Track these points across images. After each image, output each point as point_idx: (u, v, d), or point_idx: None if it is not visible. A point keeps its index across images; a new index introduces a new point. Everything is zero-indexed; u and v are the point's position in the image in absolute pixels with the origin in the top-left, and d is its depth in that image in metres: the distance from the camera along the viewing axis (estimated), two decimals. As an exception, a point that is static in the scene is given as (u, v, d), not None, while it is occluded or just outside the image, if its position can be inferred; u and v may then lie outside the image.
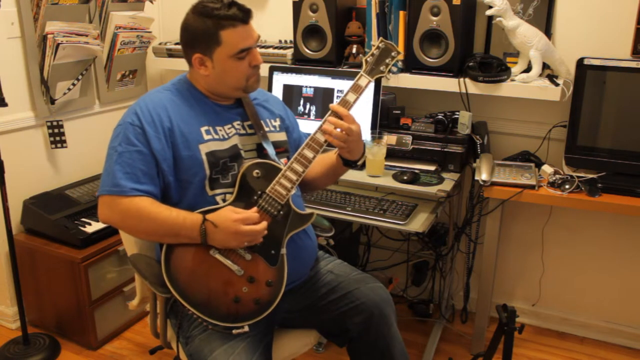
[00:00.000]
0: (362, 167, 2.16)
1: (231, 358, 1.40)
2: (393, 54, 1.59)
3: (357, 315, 1.59)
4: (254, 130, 1.61)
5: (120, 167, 1.44)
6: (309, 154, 1.51)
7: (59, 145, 2.53)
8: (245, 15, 1.48)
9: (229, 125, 1.58)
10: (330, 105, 1.53)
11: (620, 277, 2.44)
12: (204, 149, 1.50)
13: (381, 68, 1.58)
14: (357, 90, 1.56)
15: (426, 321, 2.62)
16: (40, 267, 2.41)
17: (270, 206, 1.49)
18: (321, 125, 1.53)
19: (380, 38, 1.62)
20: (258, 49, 1.55)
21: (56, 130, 2.51)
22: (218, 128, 1.55)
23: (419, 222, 2.00)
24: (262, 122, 1.63)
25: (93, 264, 2.34)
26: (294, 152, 1.68)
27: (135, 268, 1.59)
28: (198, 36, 1.48)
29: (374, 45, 1.61)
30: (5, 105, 2.11)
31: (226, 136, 1.56)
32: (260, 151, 1.60)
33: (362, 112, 2.22)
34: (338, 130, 1.51)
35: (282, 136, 1.69)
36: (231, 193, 1.52)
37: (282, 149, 1.66)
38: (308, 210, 1.58)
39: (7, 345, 2.36)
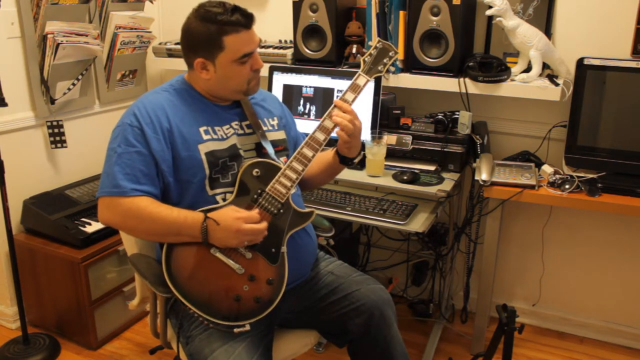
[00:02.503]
0: (361, 165, 2.16)
1: (231, 358, 1.41)
2: (391, 53, 1.61)
3: (358, 317, 1.60)
4: (253, 130, 1.61)
5: (120, 168, 1.44)
6: (308, 152, 1.52)
7: (59, 145, 2.53)
8: (247, 21, 1.48)
9: (227, 126, 1.58)
10: (335, 100, 1.55)
11: (620, 277, 2.44)
12: (203, 149, 1.51)
13: (379, 68, 1.60)
14: (355, 89, 1.57)
15: (426, 321, 2.62)
16: (40, 267, 2.41)
17: (270, 205, 1.49)
18: (321, 124, 1.54)
19: (378, 38, 1.64)
20: (258, 50, 1.56)
21: (56, 130, 2.51)
22: (217, 128, 1.56)
23: (419, 222, 2.00)
24: (260, 121, 1.64)
25: (93, 264, 2.34)
26: (291, 151, 1.69)
27: (135, 268, 1.59)
28: (201, 41, 1.47)
29: (371, 45, 1.63)
30: (5, 105, 2.11)
31: (225, 136, 1.56)
32: (259, 150, 1.61)
33: (362, 112, 2.22)
34: (346, 122, 1.52)
35: (280, 135, 1.69)
36: (231, 192, 1.52)
37: (281, 148, 1.66)
38: (308, 209, 1.58)
39: (7, 345, 2.36)
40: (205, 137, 1.52)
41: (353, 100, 1.56)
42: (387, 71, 1.66)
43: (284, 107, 1.80)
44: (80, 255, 2.29)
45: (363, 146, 1.67)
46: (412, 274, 2.70)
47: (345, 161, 1.66)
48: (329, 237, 1.90)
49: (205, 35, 1.46)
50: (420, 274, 2.66)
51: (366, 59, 1.60)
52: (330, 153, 1.68)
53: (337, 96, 2.31)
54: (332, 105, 1.55)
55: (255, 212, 1.45)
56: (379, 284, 1.67)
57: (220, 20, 1.44)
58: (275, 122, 1.70)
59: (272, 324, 1.59)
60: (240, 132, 1.60)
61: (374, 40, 2.28)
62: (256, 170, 1.52)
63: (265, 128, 1.64)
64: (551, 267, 2.54)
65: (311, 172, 1.72)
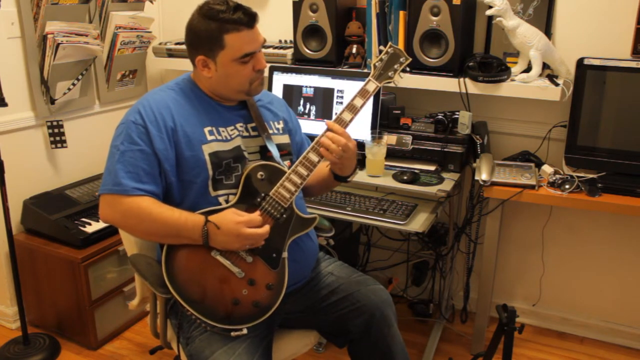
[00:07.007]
0: (361, 166, 2.16)
1: (231, 359, 1.40)
2: (402, 59, 1.60)
3: (358, 317, 1.60)
4: (258, 132, 1.60)
5: (123, 166, 1.43)
6: (314, 157, 1.50)
7: (59, 145, 2.53)
8: (250, 20, 1.46)
9: (232, 127, 1.57)
10: (326, 121, 1.52)
11: (620, 277, 2.44)
12: (207, 149, 1.50)
13: (389, 73, 1.59)
14: (365, 95, 1.56)
15: (426, 321, 2.62)
16: (40, 267, 2.41)
17: (273, 209, 1.48)
18: (319, 138, 1.50)
19: (390, 43, 1.62)
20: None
21: (56, 130, 2.51)
22: (221, 129, 1.55)
23: (419, 222, 2.00)
24: (266, 124, 1.63)
25: (93, 264, 2.34)
26: (296, 156, 1.68)
27: (135, 268, 1.59)
28: (202, 38, 1.47)
29: (382, 50, 1.61)
30: (5, 105, 2.11)
31: (229, 137, 1.55)
32: (264, 153, 1.59)
33: (363, 112, 2.20)
34: (334, 146, 1.49)
35: (285, 139, 1.68)
36: (234, 194, 1.51)
37: (285, 152, 1.65)
38: (310, 214, 1.57)
39: (7, 345, 2.36)
40: (209, 137, 1.51)
41: (362, 107, 1.54)
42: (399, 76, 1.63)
43: (290, 111, 1.78)
44: (80, 255, 2.29)
45: (361, 162, 1.62)
46: (412, 274, 2.70)
47: (339, 178, 1.65)
48: (329, 237, 1.90)
49: (207, 32, 1.45)
50: (420, 274, 2.66)
51: (377, 64, 1.59)
52: (325, 168, 1.66)
53: (338, 96, 2.31)
54: (326, 128, 1.51)
55: (256, 215, 1.45)
56: (379, 285, 1.67)
57: (221, 18, 1.44)
58: (280, 126, 1.68)
59: (272, 324, 1.58)
60: (245, 134, 1.59)
61: (374, 40, 2.30)
62: (261, 173, 1.51)
63: (270, 131, 1.63)
64: (551, 267, 2.54)
65: (308, 182, 1.71)
